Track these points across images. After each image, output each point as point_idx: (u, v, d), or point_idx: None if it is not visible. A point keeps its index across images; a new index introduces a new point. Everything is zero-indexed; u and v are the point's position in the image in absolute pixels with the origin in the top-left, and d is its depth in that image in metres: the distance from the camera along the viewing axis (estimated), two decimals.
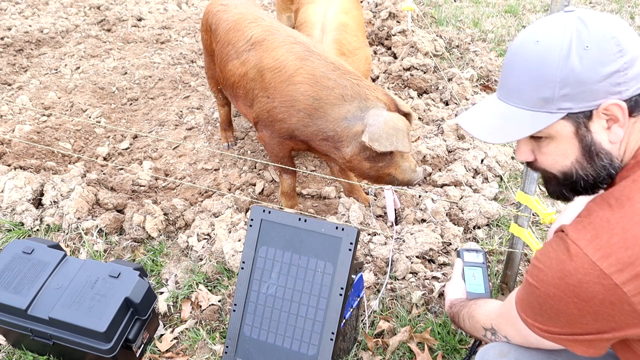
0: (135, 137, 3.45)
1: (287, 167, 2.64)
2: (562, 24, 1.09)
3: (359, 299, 1.92)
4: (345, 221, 2.55)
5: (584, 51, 1.05)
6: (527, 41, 1.12)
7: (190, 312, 2.22)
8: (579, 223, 1.07)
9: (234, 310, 1.77)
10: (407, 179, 2.39)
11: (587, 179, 1.14)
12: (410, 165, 2.39)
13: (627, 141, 1.12)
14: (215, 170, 3.11)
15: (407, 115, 2.36)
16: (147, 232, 2.56)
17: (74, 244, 2.52)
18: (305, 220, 1.72)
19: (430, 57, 3.90)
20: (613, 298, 1.00)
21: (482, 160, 2.96)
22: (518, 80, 1.13)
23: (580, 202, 1.48)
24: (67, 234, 2.55)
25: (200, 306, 2.23)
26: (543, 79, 1.08)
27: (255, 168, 3.11)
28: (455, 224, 2.56)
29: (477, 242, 2.49)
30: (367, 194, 2.81)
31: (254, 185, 2.91)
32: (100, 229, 2.56)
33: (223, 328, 2.14)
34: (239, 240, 2.37)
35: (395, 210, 2.52)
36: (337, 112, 2.31)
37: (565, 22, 1.09)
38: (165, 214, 2.66)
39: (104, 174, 3.03)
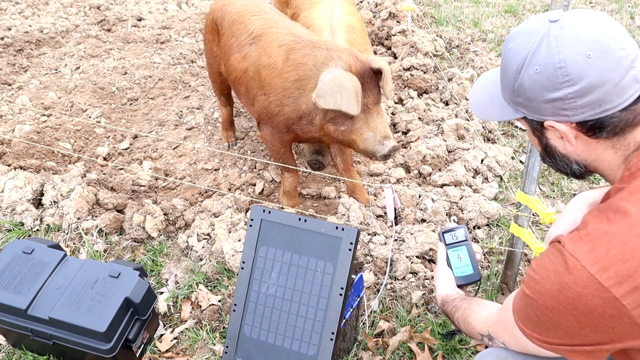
0: (135, 137, 3.45)
1: (289, 165, 2.64)
2: (533, 36, 1.10)
3: (359, 299, 1.92)
4: (345, 221, 2.55)
5: (533, 72, 1.09)
6: (508, 40, 1.17)
7: (190, 312, 2.22)
8: (576, 235, 1.06)
9: (234, 310, 1.77)
10: (368, 149, 2.26)
11: (556, 169, 1.24)
12: (376, 135, 2.24)
13: (594, 158, 1.15)
14: (215, 170, 3.11)
15: (378, 72, 2.27)
16: (147, 232, 2.56)
17: (74, 244, 2.52)
18: (305, 220, 1.72)
19: (430, 57, 3.90)
20: (612, 311, 1.00)
21: (482, 160, 2.96)
22: (500, 71, 1.22)
23: (578, 206, 1.47)
24: (67, 234, 2.55)
25: (200, 306, 2.23)
26: (505, 82, 1.18)
27: (255, 168, 3.11)
28: (455, 224, 2.56)
29: (477, 242, 2.49)
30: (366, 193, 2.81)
31: (254, 185, 2.92)
32: (100, 229, 2.56)
33: (223, 328, 2.14)
34: (239, 240, 2.37)
35: (395, 210, 2.52)
36: (312, 83, 2.29)
37: (536, 34, 1.09)
38: (165, 214, 2.66)
39: (104, 174, 3.03)
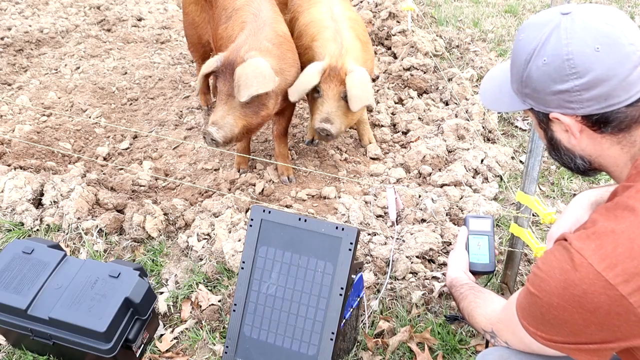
0: (135, 137, 3.45)
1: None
2: (543, 27, 1.10)
3: (359, 299, 1.92)
4: (345, 221, 2.55)
5: (541, 63, 1.09)
6: (519, 31, 1.18)
7: (190, 312, 2.22)
8: (583, 233, 1.06)
9: (234, 310, 1.77)
10: None
11: (561, 164, 1.23)
12: (211, 117, 2.55)
13: (600, 154, 1.14)
14: (215, 170, 3.11)
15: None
16: (147, 232, 2.56)
17: (74, 244, 2.52)
18: (305, 220, 1.72)
19: (430, 57, 3.90)
20: (619, 309, 0.99)
21: (482, 160, 2.96)
22: (510, 62, 1.23)
23: (580, 205, 1.47)
24: (67, 234, 2.55)
25: (200, 306, 2.23)
26: (514, 73, 1.19)
27: (255, 168, 3.11)
28: (455, 224, 2.56)
29: None
30: (366, 194, 2.82)
31: (254, 185, 2.92)
32: (100, 229, 2.56)
33: (223, 328, 2.14)
34: (239, 240, 2.37)
35: (397, 211, 2.52)
36: None
37: (547, 26, 1.10)
38: (165, 214, 2.66)
39: (104, 174, 3.03)
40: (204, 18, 3.14)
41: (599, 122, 1.08)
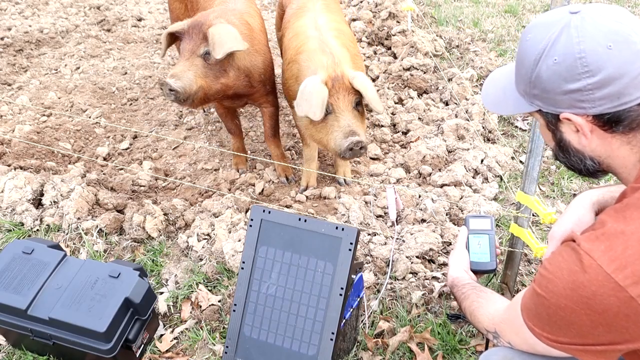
0: (135, 137, 3.45)
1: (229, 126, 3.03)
2: (552, 27, 1.10)
3: (359, 299, 1.92)
4: (345, 221, 2.55)
5: (552, 63, 1.08)
6: (526, 32, 1.16)
7: (190, 312, 2.22)
8: (592, 234, 1.06)
9: (234, 310, 1.77)
10: None
11: (568, 166, 1.22)
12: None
13: (609, 154, 1.13)
14: (215, 170, 3.11)
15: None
16: (147, 232, 2.56)
17: (74, 244, 2.52)
18: (305, 220, 1.72)
19: (430, 57, 3.90)
20: (628, 311, 0.99)
21: (482, 160, 2.96)
22: (515, 64, 1.22)
23: (581, 205, 1.47)
24: (67, 234, 2.55)
25: (200, 306, 2.23)
26: (521, 74, 1.17)
27: (255, 168, 3.11)
28: (455, 224, 2.56)
29: None
30: (366, 194, 2.82)
31: (254, 185, 2.92)
32: (100, 229, 2.56)
33: (223, 328, 2.14)
34: (239, 240, 2.37)
35: (397, 211, 2.52)
36: None
37: (556, 25, 1.09)
38: (165, 214, 2.66)
39: (104, 174, 3.03)
40: (188, 17, 3.13)
41: (610, 122, 1.08)
